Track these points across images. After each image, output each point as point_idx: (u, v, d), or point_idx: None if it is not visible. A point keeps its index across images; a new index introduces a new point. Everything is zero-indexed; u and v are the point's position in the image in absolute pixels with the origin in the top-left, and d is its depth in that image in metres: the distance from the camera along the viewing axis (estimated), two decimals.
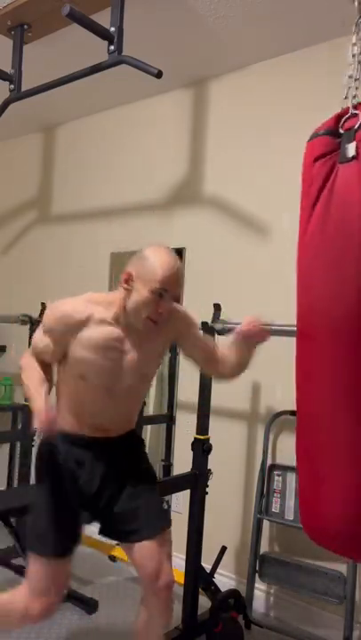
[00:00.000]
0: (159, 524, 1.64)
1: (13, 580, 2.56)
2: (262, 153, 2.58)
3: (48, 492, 1.60)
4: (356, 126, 1.14)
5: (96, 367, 1.54)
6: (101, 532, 1.69)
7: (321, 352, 1.18)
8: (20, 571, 2.55)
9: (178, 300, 1.61)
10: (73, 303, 1.58)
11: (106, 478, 1.63)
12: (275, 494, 2.34)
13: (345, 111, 1.19)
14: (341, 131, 1.17)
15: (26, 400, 1.51)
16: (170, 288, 1.50)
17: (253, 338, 1.70)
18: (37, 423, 1.41)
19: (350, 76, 1.23)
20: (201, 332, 1.83)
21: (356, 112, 1.17)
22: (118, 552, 2.68)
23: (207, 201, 2.79)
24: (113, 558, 2.69)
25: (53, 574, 1.55)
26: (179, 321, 1.67)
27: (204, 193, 2.81)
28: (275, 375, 2.46)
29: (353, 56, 1.24)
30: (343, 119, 1.18)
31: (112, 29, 2.04)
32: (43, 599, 1.54)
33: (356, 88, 1.23)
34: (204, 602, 2.18)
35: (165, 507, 1.75)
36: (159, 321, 1.52)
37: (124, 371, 1.58)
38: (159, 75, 1.97)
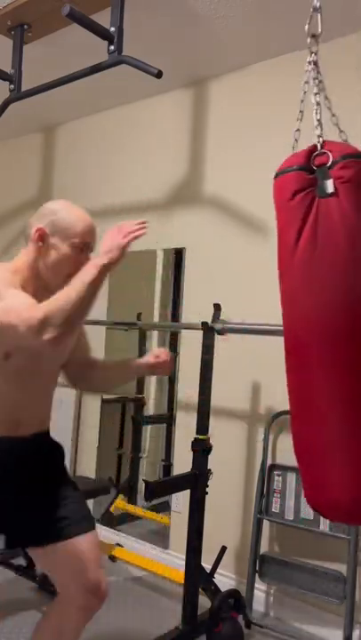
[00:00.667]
0: (91, 522, 1.52)
1: (13, 579, 2.56)
2: (262, 153, 2.58)
3: None
4: (329, 164, 1.20)
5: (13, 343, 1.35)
6: (11, 542, 1.49)
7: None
8: (21, 570, 2.55)
9: (92, 252, 1.48)
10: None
11: (25, 482, 1.46)
12: (275, 494, 2.34)
13: (313, 148, 1.24)
14: (314, 167, 1.22)
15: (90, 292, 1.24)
16: (90, 241, 1.45)
17: (158, 371, 1.65)
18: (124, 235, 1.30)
19: (318, 120, 1.29)
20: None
21: (325, 151, 1.22)
22: (118, 552, 2.68)
23: (207, 201, 2.79)
24: (113, 558, 2.69)
25: None
26: None
27: (204, 193, 2.81)
28: (275, 375, 2.46)
29: (317, 104, 1.30)
30: (313, 155, 1.24)
31: (112, 29, 2.04)
32: None
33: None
34: (204, 602, 2.18)
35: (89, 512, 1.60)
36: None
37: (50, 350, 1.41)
38: (159, 75, 1.97)
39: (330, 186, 1.18)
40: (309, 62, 1.29)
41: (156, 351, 1.66)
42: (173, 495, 2.77)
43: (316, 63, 1.29)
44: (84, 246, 1.42)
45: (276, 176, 1.26)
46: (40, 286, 1.42)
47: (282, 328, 1.97)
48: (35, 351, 1.32)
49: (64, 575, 1.47)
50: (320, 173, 1.21)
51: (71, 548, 1.44)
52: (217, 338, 2.21)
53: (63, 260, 1.40)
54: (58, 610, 1.50)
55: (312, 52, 1.30)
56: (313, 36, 1.28)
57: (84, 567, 1.43)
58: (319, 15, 1.29)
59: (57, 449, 1.61)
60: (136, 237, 1.36)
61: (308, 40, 1.28)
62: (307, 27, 1.26)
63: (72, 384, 1.70)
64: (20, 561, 2.58)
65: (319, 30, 1.27)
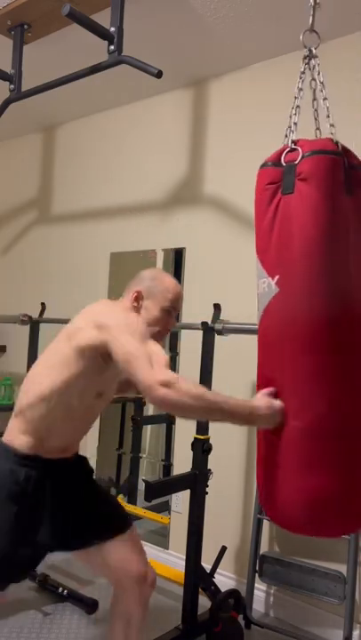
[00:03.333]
0: (128, 521, 1.69)
1: None
2: (262, 153, 2.58)
3: (11, 520, 1.49)
4: (297, 160, 1.26)
5: (113, 382, 1.59)
6: (59, 548, 1.64)
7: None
8: None
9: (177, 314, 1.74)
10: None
11: (68, 503, 1.60)
12: None
13: (285, 147, 1.31)
14: (285, 162, 1.29)
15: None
16: (177, 307, 1.67)
17: None
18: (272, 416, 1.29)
19: (291, 117, 1.38)
20: None
21: (296, 147, 1.27)
22: None
23: (207, 201, 2.79)
24: None
25: None
26: None
27: (204, 193, 2.81)
28: None
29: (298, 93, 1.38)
30: (285, 153, 1.31)
31: (112, 29, 2.04)
32: None
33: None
34: (204, 602, 2.18)
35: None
36: (165, 335, 1.68)
37: (113, 386, 1.65)
38: (159, 75, 1.97)
39: (290, 184, 1.24)
40: (305, 57, 1.32)
41: None
42: (173, 495, 2.77)
43: (307, 58, 1.32)
44: (172, 310, 1.64)
45: (329, 153, 1.29)
46: None
47: None
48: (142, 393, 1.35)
49: (116, 572, 1.64)
50: (286, 170, 1.27)
51: (116, 547, 1.61)
52: (217, 338, 2.21)
53: (153, 321, 1.60)
54: (118, 604, 1.67)
55: (309, 48, 1.32)
56: (311, 32, 1.31)
57: (127, 560, 1.62)
58: (311, 14, 1.32)
59: (85, 461, 1.76)
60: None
61: (301, 37, 1.31)
62: (310, 19, 1.29)
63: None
64: None
65: (309, 25, 1.30)
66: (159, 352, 1.36)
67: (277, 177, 1.28)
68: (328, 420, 1.20)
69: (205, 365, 2.18)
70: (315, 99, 1.35)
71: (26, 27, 2.35)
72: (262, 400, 1.32)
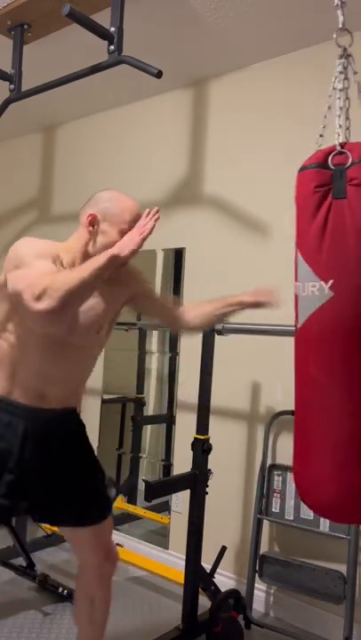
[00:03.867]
0: (110, 507, 1.71)
1: (13, 579, 2.56)
2: (262, 153, 2.58)
3: None
4: (348, 164, 1.22)
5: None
6: (36, 518, 1.65)
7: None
8: (21, 570, 2.55)
9: None
10: (39, 239, 1.53)
11: (48, 458, 1.53)
12: (275, 494, 2.34)
13: (332, 148, 1.26)
14: (334, 165, 1.25)
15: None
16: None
17: (262, 302, 1.76)
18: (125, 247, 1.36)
19: (332, 108, 1.30)
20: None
21: (344, 151, 1.24)
22: (118, 552, 2.67)
23: (207, 201, 2.79)
24: None
25: None
26: (136, 276, 1.67)
27: (204, 193, 2.81)
28: (275, 375, 2.47)
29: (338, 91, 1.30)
30: (332, 155, 1.26)
31: (112, 29, 2.04)
32: None
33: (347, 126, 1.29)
34: (204, 602, 2.18)
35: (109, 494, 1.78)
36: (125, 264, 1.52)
37: (80, 324, 1.49)
38: (159, 75, 1.97)
39: (342, 189, 1.21)
40: (340, 56, 1.31)
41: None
42: (173, 495, 2.77)
43: (343, 57, 1.31)
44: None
45: (300, 170, 1.28)
46: None
47: (282, 328, 1.98)
48: (34, 322, 1.36)
49: (85, 551, 1.65)
50: (336, 174, 1.23)
51: (91, 533, 1.61)
52: (217, 338, 2.21)
53: (110, 245, 1.46)
54: (82, 583, 1.69)
55: (341, 47, 1.31)
56: (341, 30, 1.30)
57: (100, 542, 1.64)
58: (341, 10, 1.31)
59: (82, 427, 1.68)
60: (150, 232, 1.44)
61: (334, 35, 1.29)
62: (341, 17, 1.29)
63: (175, 329, 1.95)
64: (20, 561, 2.58)
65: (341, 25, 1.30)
66: (39, 266, 1.36)
67: (326, 180, 1.24)
68: None
69: (205, 365, 2.18)
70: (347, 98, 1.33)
71: (26, 27, 2.35)
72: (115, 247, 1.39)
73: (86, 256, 1.50)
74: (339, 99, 1.31)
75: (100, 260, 1.35)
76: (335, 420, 1.23)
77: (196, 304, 1.80)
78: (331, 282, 1.22)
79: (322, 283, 1.23)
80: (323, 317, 1.24)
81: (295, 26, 2.30)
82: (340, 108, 1.30)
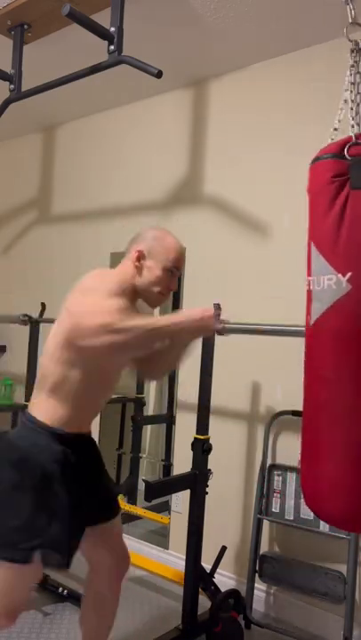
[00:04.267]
0: (119, 504, 1.77)
1: None
2: (262, 153, 2.58)
3: (65, 493, 1.52)
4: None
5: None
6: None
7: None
8: None
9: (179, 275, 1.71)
10: (107, 271, 1.65)
11: (91, 477, 1.66)
12: (275, 494, 2.34)
13: (348, 139, 1.24)
14: (348, 157, 1.22)
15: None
16: (179, 267, 1.64)
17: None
18: (203, 320, 1.48)
19: (348, 101, 1.29)
20: None
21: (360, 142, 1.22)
22: None
23: (207, 201, 2.79)
24: None
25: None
26: None
27: (204, 193, 2.81)
28: (275, 375, 2.47)
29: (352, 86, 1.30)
30: (348, 146, 1.24)
31: (112, 29, 2.04)
32: (17, 613, 1.57)
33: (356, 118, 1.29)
34: (204, 602, 2.18)
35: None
36: (167, 297, 1.65)
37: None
38: (159, 75, 1.97)
39: (359, 178, 1.18)
40: (352, 50, 1.31)
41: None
42: (173, 495, 2.77)
43: (354, 52, 1.31)
44: (174, 270, 1.61)
45: (313, 162, 1.26)
46: (136, 297, 1.61)
47: (282, 328, 1.96)
48: (88, 355, 1.46)
49: (100, 551, 1.69)
50: (354, 164, 1.21)
51: (109, 528, 1.69)
52: (217, 338, 2.21)
53: (155, 280, 1.58)
54: (94, 585, 1.74)
55: (352, 41, 1.31)
56: (352, 24, 1.31)
57: (117, 542, 1.73)
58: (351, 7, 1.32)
59: (93, 440, 1.78)
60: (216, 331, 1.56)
61: (345, 30, 1.30)
62: (353, 11, 1.30)
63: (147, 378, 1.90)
64: None
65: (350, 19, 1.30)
66: (112, 304, 1.43)
67: (343, 170, 1.22)
68: None
69: (205, 365, 2.18)
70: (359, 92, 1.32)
71: (26, 27, 2.35)
72: (196, 309, 1.51)
73: (133, 288, 1.58)
74: (352, 92, 1.30)
75: (172, 322, 1.46)
76: (352, 423, 1.19)
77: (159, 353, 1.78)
78: (349, 274, 1.19)
79: (339, 275, 1.20)
80: (340, 312, 1.20)
81: (295, 26, 2.30)
82: (352, 101, 1.29)
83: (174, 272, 1.62)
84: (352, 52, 1.31)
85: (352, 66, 1.31)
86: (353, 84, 1.31)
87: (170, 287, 1.62)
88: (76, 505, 1.52)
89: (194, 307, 2.77)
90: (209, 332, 1.55)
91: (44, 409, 1.54)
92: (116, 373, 1.66)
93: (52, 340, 1.55)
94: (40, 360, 1.60)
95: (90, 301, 1.45)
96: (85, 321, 1.39)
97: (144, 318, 1.46)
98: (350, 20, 1.32)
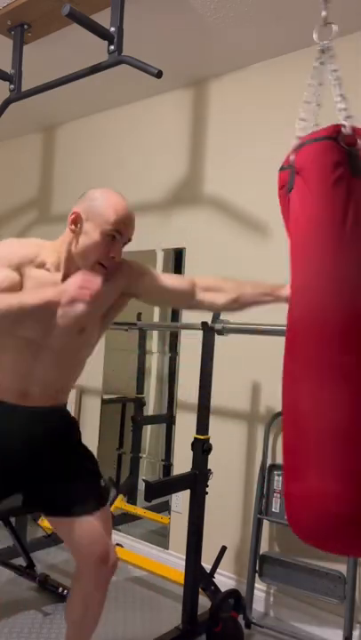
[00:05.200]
0: (100, 500, 1.61)
1: (13, 579, 2.56)
2: (262, 153, 2.58)
3: None
4: (293, 157, 1.25)
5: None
6: (26, 503, 1.62)
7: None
8: (21, 570, 2.55)
9: (128, 242, 1.53)
10: (20, 240, 1.52)
11: (34, 452, 1.54)
12: (275, 494, 2.34)
13: (339, 127, 1.25)
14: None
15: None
16: (123, 231, 1.45)
17: None
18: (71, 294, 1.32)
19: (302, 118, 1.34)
20: (161, 273, 1.72)
21: (352, 133, 1.22)
22: (118, 552, 2.67)
23: (207, 201, 2.79)
24: None
25: None
26: (127, 272, 1.56)
27: (204, 193, 2.81)
28: (275, 375, 2.46)
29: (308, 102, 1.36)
30: (343, 134, 1.24)
31: (112, 29, 2.04)
32: None
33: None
34: (204, 602, 2.18)
35: (103, 484, 1.73)
36: (109, 266, 1.45)
37: (57, 326, 1.43)
38: (159, 75, 1.97)
39: (292, 181, 1.21)
40: (322, 50, 1.32)
41: None
42: (173, 495, 2.77)
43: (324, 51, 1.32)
44: (116, 234, 1.43)
45: (319, 140, 1.22)
46: (74, 268, 1.44)
47: (282, 328, 1.96)
48: (48, 324, 1.39)
49: (76, 547, 1.59)
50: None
51: (80, 526, 1.54)
52: (217, 338, 2.21)
53: (92, 246, 1.41)
54: (78, 583, 1.62)
55: (325, 42, 1.32)
56: (325, 24, 1.32)
57: (93, 541, 1.55)
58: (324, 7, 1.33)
59: (70, 423, 1.68)
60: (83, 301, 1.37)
61: (317, 32, 1.31)
62: (324, 13, 1.31)
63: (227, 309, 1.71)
64: (20, 561, 2.57)
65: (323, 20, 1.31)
66: None
67: (287, 178, 1.27)
68: None
69: (205, 365, 2.18)
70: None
71: (26, 27, 2.35)
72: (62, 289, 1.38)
73: (70, 257, 1.45)
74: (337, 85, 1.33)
75: (39, 297, 1.34)
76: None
77: (228, 282, 1.64)
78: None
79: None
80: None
81: (295, 26, 2.30)
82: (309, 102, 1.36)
83: (116, 237, 1.43)
84: (322, 52, 1.33)
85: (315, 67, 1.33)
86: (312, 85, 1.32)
87: (110, 254, 1.43)
88: None
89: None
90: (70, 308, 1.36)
91: None
92: (57, 352, 1.50)
93: None
94: None
95: None
96: None
97: (10, 295, 1.34)
98: (323, 23, 1.33)
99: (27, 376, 1.50)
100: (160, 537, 2.90)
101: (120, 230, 1.44)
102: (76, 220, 1.43)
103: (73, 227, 1.43)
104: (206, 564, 2.21)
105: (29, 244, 1.50)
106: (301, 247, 1.22)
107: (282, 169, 1.30)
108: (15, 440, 1.52)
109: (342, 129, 1.19)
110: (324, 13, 1.33)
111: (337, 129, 1.20)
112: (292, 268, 1.27)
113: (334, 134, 1.18)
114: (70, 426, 1.69)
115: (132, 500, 3.15)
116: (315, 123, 1.31)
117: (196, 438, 2.17)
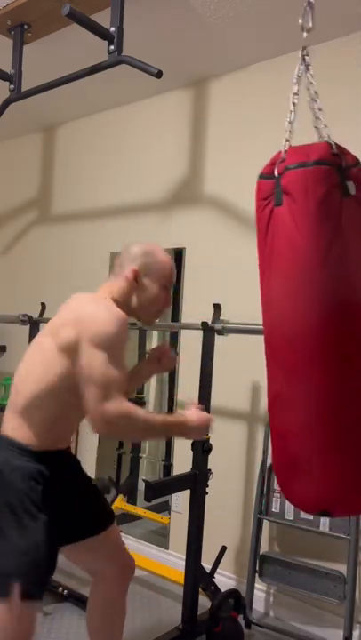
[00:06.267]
0: (112, 514, 1.73)
1: None
2: (262, 153, 2.57)
3: (46, 524, 1.44)
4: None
5: None
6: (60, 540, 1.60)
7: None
8: None
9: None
10: (112, 304, 1.50)
11: (68, 495, 1.59)
12: (275, 494, 2.34)
13: (278, 156, 1.29)
14: (276, 174, 1.27)
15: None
16: (173, 282, 1.64)
17: (162, 365, 1.80)
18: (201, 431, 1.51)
19: (289, 122, 1.36)
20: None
21: (338, 153, 1.23)
22: None
23: (207, 201, 2.79)
24: None
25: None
26: None
27: (204, 193, 2.81)
28: None
29: (293, 104, 1.34)
30: (278, 163, 1.29)
31: (112, 29, 2.04)
32: None
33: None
34: (204, 602, 2.18)
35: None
36: (164, 313, 1.67)
37: None
38: (159, 75, 1.97)
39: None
40: (303, 57, 1.32)
41: (154, 348, 1.80)
42: (173, 495, 2.77)
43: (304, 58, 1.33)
44: (169, 285, 1.62)
45: (309, 165, 1.22)
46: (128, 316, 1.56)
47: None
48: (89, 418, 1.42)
49: (101, 559, 1.68)
50: (276, 183, 1.25)
51: (104, 538, 1.65)
52: (217, 338, 2.21)
53: (154, 299, 1.58)
54: (100, 593, 1.71)
55: (304, 48, 1.32)
56: (307, 30, 1.32)
57: (118, 550, 1.71)
58: (310, 11, 1.33)
59: (74, 456, 1.76)
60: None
61: (304, 35, 1.31)
62: (300, 21, 1.30)
63: None
64: None
65: (310, 25, 1.30)
66: (119, 379, 1.36)
67: (270, 190, 1.29)
68: None
69: (205, 365, 2.18)
70: (313, 99, 1.34)
71: (26, 27, 2.35)
72: (194, 413, 1.53)
73: (130, 309, 1.56)
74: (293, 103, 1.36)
75: (176, 428, 1.50)
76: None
77: None
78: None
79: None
80: None
81: (295, 26, 2.29)
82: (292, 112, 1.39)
83: (169, 287, 1.62)
84: (301, 62, 1.33)
85: (299, 76, 1.33)
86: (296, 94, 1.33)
87: (168, 303, 1.63)
88: (52, 526, 1.46)
89: (194, 308, 2.78)
90: (198, 438, 1.56)
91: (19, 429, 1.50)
92: None
93: (37, 363, 1.49)
94: (17, 379, 1.55)
95: (99, 364, 1.35)
96: (90, 392, 1.34)
97: (145, 411, 1.42)
98: (305, 27, 1.33)
99: (69, 424, 1.60)
100: (160, 537, 2.90)
101: (172, 282, 1.63)
102: (137, 277, 1.55)
103: (135, 283, 1.56)
104: (206, 564, 2.21)
105: (115, 308, 1.49)
106: (285, 267, 1.24)
107: (263, 177, 1.30)
108: (56, 482, 1.52)
109: (330, 149, 1.21)
110: (306, 19, 1.33)
111: (326, 151, 1.21)
112: (266, 280, 1.31)
113: (325, 158, 1.20)
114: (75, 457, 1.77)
115: (132, 500, 3.15)
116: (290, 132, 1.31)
117: None
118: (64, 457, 1.61)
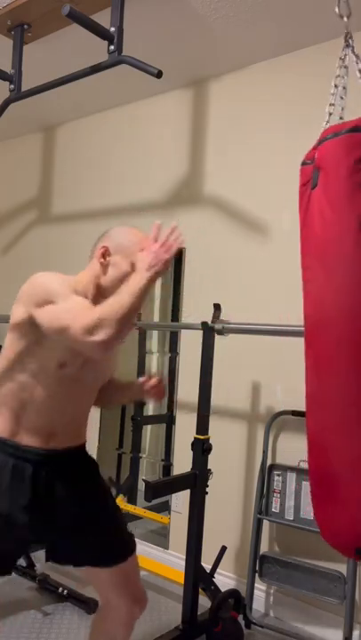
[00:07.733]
0: (131, 545, 1.61)
1: (13, 579, 2.56)
2: (262, 153, 2.58)
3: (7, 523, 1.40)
4: (316, 155, 1.23)
5: (75, 351, 1.40)
6: (52, 557, 1.56)
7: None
8: (21, 570, 2.55)
9: None
10: (55, 273, 1.51)
11: (63, 498, 1.48)
12: (275, 494, 2.34)
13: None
14: (316, 156, 1.26)
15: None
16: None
17: (151, 394, 1.71)
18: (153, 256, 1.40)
19: (331, 104, 1.33)
20: None
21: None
22: None
23: (207, 201, 2.79)
24: None
25: None
26: None
27: (204, 193, 2.81)
28: (275, 375, 2.46)
29: (335, 86, 1.35)
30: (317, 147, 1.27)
31: (112, 29, 2.04)
32: None
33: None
34: (204, 602, 2.18)
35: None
36: None
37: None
38: (159, 75, 1.97)
39: (316, 178, 1.21)
40: (347, 43, 1.33)
41: (148, 376, 1.72)
42: (173, 495, 2.77)
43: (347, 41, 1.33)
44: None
45: (342, 133, 1.20)
46: (99, 299, 1.49)
47: (282, 328, 1.97)
48: (86, 357, 1.40)
49: (109, 592, 1.57)
50: (315, 165, 1.22)
51: (114, 573, 1.53)
52: (217, 338, 2.21)
53: (122, 277, 1.49)
54: (104, 622, 1.62)
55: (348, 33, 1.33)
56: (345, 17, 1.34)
57: (128, 584, 1.56)
58: None
59: (91, 464, 1.62)
60: (177, 248, 1.48)
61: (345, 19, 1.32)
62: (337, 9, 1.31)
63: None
64: (21, 561, 2.57)
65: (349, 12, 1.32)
66: (76, 305, 1.37)
67: (309, 175, 1.25)
68: None
69: (205, 365, 2.18)
70: None
71: (26, 27, 2.35)
72: (143, 254, 1.43)
73: (98, 288, 1.52)
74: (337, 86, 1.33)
75: (139, 282, 1.37)
76: None
77: (112, 385, 1.71)
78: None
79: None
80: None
81: (295, 26, 2.30)
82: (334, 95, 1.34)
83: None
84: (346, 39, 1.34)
85: (342, 58, 1.33)
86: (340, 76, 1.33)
87: None
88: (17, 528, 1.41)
89: (194, 308, 2.78)
90: (165, 268, 1.43)
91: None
92: (88, 385, 1.54)
93: (7, 351, 1.47)
94: None
95: (55, 312, 1.37)
96: (70, 327, 1.31)
97: (109, 303, 1.35)
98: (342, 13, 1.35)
99: (57, 415, 1.49)
100: (160, 537, 2.90)
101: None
102: (105, 254, 1.52)
103: (103, 260, 1.52)
104: (206, 564, 2.21)
105: (66, 277, 1.52)
106: (321, 248, 1.20)
107: (304, 164, 1.27)
108: (42, 486, 1.46)
109: None
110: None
111: (360, 121, 1.18)
112: (306, 269, 1.27)
113: (358, 125, 1.17)
114: (95, 467, 1.63)
115: (132, 500, 3.15)
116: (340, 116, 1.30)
117: (196, 438, 2.16)
118: (62, 460, 1.50)
